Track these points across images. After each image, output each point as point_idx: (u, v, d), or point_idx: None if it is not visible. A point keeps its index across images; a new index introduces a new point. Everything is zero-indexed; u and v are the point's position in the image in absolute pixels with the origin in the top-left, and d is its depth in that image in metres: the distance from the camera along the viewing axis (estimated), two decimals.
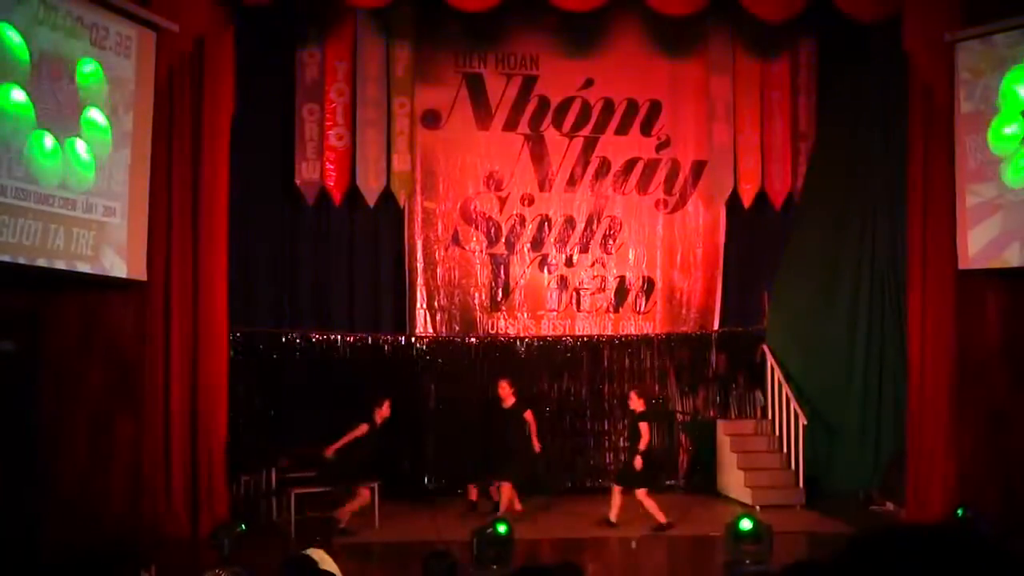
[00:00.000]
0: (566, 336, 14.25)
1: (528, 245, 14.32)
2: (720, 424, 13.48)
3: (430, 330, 14.03)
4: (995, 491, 10.79)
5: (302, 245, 13.76)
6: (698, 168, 14.47)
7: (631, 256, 14.51)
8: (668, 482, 13.85)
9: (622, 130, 14.38)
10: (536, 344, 14.11)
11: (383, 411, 11.52)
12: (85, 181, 9.54)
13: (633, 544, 10.75)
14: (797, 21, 13.24)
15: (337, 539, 10.62)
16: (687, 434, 14.00)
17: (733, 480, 12.92)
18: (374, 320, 13.98)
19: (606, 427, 14.02)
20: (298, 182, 13.46)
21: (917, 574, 1.72)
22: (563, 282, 14.42)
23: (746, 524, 9.22)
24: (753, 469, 12.71)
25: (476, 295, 14.24)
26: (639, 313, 14.50)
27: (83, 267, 9.56)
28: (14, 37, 8.69)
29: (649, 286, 14.52)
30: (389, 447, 13.38)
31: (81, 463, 9.97)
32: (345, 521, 11.12)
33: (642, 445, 11.37)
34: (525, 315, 14.34)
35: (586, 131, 14.33)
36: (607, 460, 13.98)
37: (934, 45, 11.32)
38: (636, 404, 11.69)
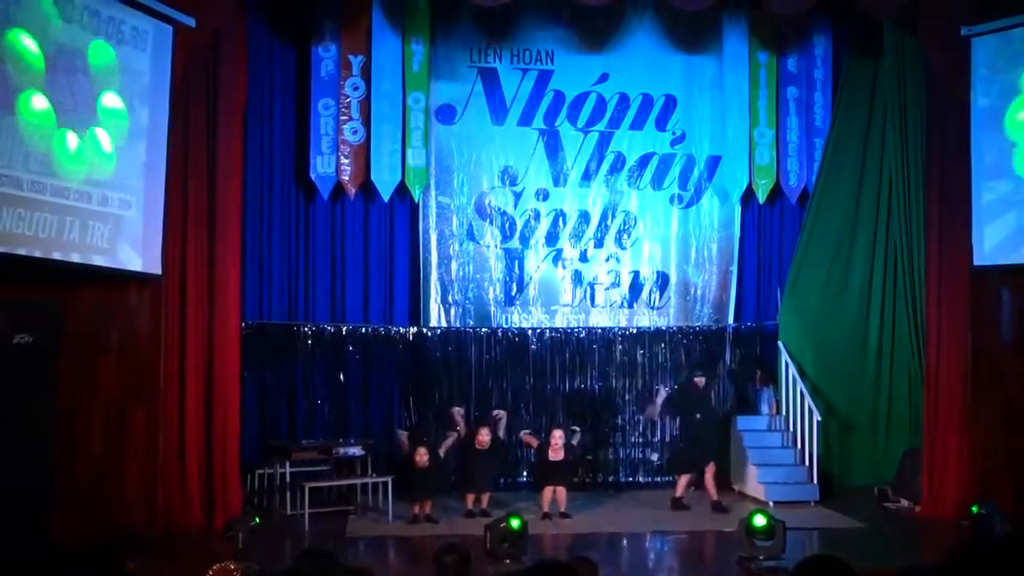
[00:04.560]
0: (579, 329, 14.22)
1: (543, 240, 14.32)
2: (734, 419, 13.45)
3: (444, 325, 14.04)
4: (1010, 487, 10.76)
5: (316, 239, 13.78)
6: (713, 163, 14.44)
7: (645, 251, 14.50)
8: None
9: (637, 125, 14.36)
10: (549, 337, 14.08)
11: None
12: (107, 172, 9.60)
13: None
14: (812, 15, 13.25)
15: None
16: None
17: (747, 476, 12.89)
18: (388, 314, 14.00)
19: (620, 422, 14.00)
20: (313, 176, 13.49)
21: None
22: (577, 277, 14.42)
23: (760, 520, 9.25)
24: (767, 465, 12.69)
25: (490, 290, 14.25)
26: (653, 308, 14.49)
27: (98, 260, 9.61)
28: (28, 42, 8.72)
29: (663, 281, 14.50)
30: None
31: (97, 455, 10.03)
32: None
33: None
34: (540, 310, 14.35)
35: (601, 126, 14.32)
36: (620, 455, 13.95)
37: (950, 40, 11.28)
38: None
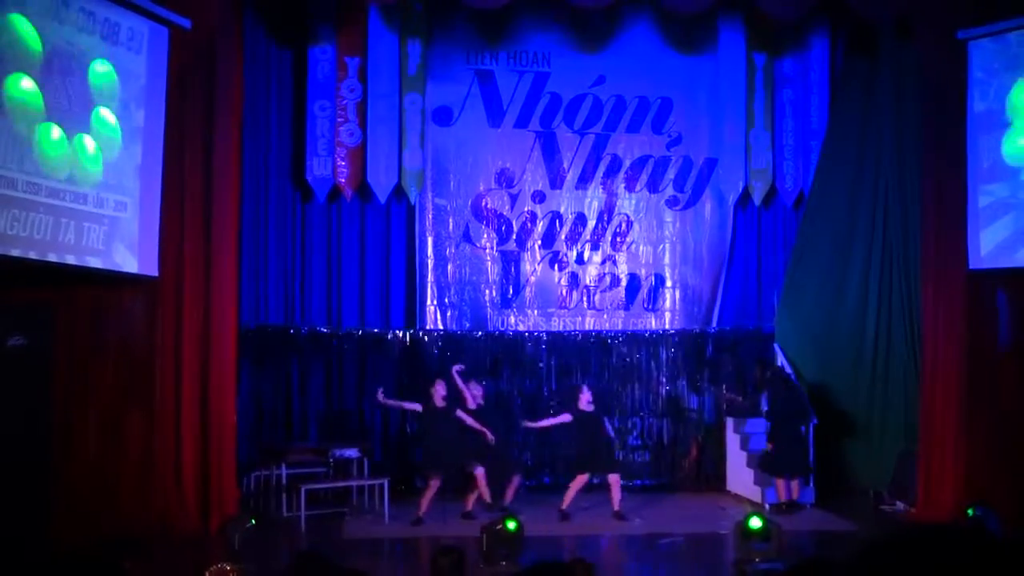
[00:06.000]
0: (576, 332, 14.23)
1: (539, 242, 14.31)
2: (729, 422, 13.45)
3: (440, 327, 14.04)
4: (1006, 490, 10.76)
5: (313, 241, 13.78)
6: (709, 165, 14.43)
7: (641, 253, 14.50)
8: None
9: (633, 127, 14.36)
10: (546, 340, 14.08)
11: (440, 391, 11.52)
12: (91, 176, 9.58)
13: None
14: (809, 18, 13.25)
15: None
16: (697, 431, 13.96)
17: (742, 478, 12.89)
18: (384, 316, 14.01)
19: (616, 424, 13.98)
20: (309, 178, 13.49)
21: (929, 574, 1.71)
22: (574, 279, 14.41)
23: (755, 523, 9.24)
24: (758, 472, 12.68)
25: (487, 292, 14.24)
26: (650, 310, 14.49)
27: (94, 262, 9.60)
28: (27, 28, 8.74)
29: (659, 283, 14.50)
30: (400, 443, 13.53)
31: (92, 457, 10.02)
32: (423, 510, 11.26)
33: None
34: (536, 312, 14.35)
35: (597, 128, 14.31)
36: (617, 457, 13.92)
37: (946, 43, 11.28)
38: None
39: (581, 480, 11.76)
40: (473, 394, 11.83)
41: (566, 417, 11.86)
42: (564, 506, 11.63)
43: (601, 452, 11.74)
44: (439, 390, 11.49)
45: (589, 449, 11.72)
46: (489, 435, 11.51)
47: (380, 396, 11.71)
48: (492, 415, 12.22)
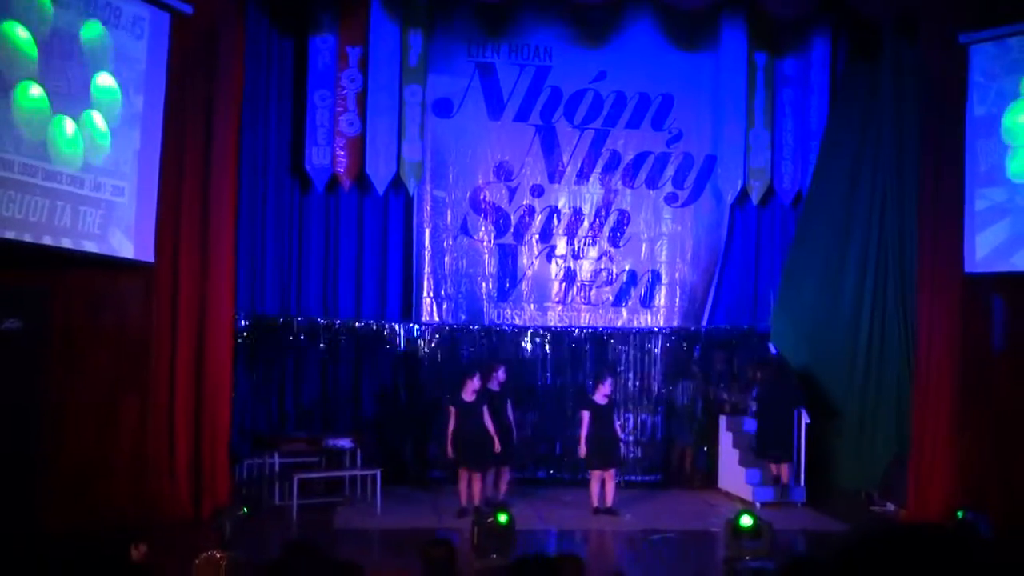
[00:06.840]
0: (571, 327, 14.23)
1: (536, 236, 14.30)
2: (722, 420, 13.46)
3: (436, 319, 14.03)
4: (997, 493, 10.78)
5: (311, 231, 13.77)
6: (709, 163, 14.43)
7: (639, 250, 14.49)
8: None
9: (633, 123, 14.35)
10: (541, 335, 14.09)
11: (473, 384, 11.42)
12: (100, 156, 9.59)
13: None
14: (811, 18, 13.25)
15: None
16: (689, 429, 13.96)
17: (734, 477, 12.91)
18: (380, 308, 14.00)
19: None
20: (308, 168, 13.46)
21: (915, 574, 1.71)
22: (570, 274, 14.41)
23: (746, 521, 9.24)
24: (754, 466, 12.70)
25: (483, 285, 14.23)
26: (646, 307, 14.49)
27: (89, 246, 9.59)
28: (21, 33, 8.71)
29: (656, 280, 14.50)
30: (394, 434, 13.53)
31: (86, 442, 10.01)
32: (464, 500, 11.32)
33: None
34: (532, 306, 14.34)
35: (597, 123, 14.30)
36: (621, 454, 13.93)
37: (948, 46, 11.29)
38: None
39: (595, 476, 11.70)
40: (499, 380, 11.83)
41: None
42: (596, 504, 11.63)
43: (604, 448, 11.62)
44: (472, 384, 11.41)
45: (593, 444, 11.63)
46: (497, 445, 11.42)
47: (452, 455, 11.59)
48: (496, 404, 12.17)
